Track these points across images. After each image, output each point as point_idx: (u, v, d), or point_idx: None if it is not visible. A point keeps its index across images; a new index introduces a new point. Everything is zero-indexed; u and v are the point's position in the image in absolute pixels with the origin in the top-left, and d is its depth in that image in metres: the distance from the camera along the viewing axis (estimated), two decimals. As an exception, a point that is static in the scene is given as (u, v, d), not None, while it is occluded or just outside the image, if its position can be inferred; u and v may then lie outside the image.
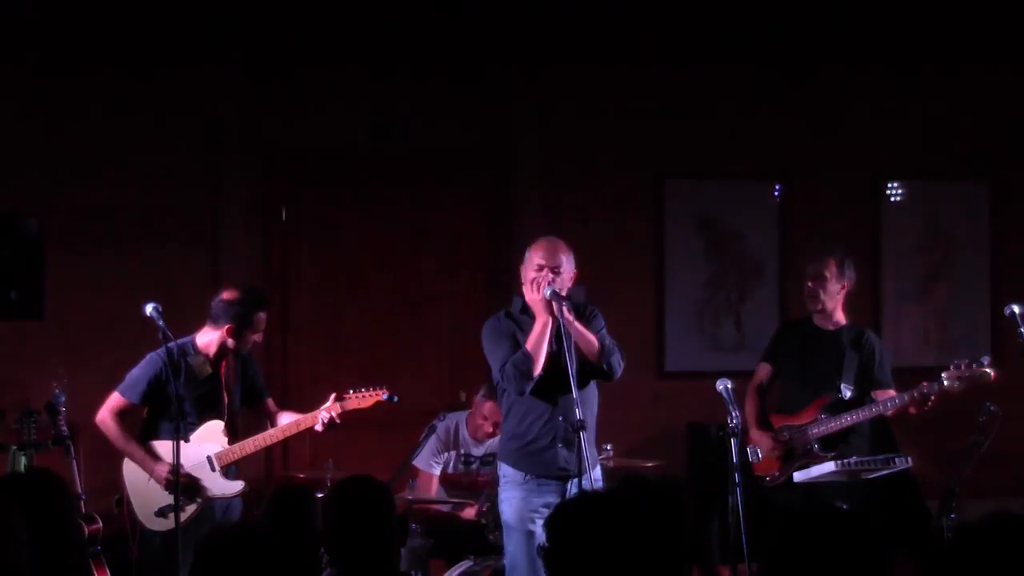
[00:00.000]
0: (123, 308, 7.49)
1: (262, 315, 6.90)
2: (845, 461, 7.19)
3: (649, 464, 7.72)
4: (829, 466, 7.21)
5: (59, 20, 8.34)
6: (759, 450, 7.31)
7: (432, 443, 7.79)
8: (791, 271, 8.92)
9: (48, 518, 4.10)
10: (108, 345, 7.25)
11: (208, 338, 6.80)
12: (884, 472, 7.14)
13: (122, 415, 6.81)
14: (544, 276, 6.33)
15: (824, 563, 3.36)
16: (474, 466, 7.78)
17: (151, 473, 6.76)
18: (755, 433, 7.32)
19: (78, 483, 6.97)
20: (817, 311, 7.43)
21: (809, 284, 7.41)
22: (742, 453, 6.77)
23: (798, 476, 7.29)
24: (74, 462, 7.04)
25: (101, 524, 7.00)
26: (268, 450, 8.01)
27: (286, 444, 8.21)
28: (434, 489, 7.72)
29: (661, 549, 4.32)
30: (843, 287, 7.43)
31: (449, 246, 8.82)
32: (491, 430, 7.74)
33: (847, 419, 7.16)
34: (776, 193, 8.98)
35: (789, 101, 8.89)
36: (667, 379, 8.84)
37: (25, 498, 4.07)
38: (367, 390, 6.93)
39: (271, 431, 6.88)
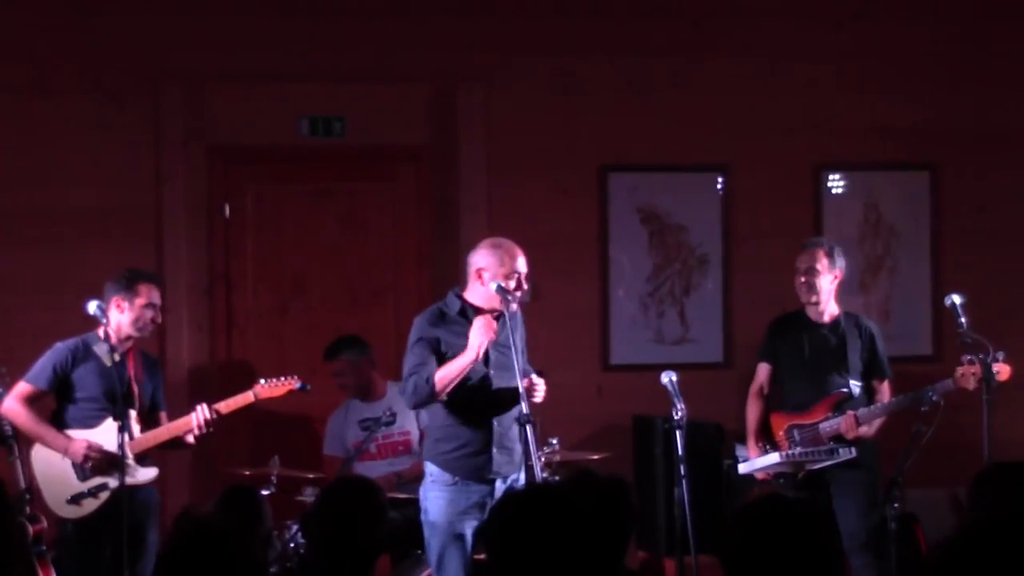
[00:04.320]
0: (65, 306, 7.45)
1: (144, 286, 6.91)
2: (789, 452, 7.22)
3: (595, 457, 7.73)
4: (774, 457, 7.25)
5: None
6: (747, 458, 7.30)
7: (330, 427, 7.97)
8: (735, 263, 8.96)
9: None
10: (47, 344, 7.18)
11: (110, 325, 6.84)
12: (828, 463, 7.17)
13: (29, 402, 6.89)
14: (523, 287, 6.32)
15: (776, 555, 3.38)
16: (379, 433, 7.68)
17: (66, 451, 6.82)
18: (751, 444, 7.34)
19: (21, 482, 6.92)
20: (811, 304, 7.41)
21: (802, 279, 7.37)
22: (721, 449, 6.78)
23: (742, 468, 7.32)
24: (17, 461, 6.99)
25: (46, 523, 6.96)
26: (209, 446, 7.98)
27: (229, 439, 8.19)
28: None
29: (604, 542, 4.33)
30: (835, 277, 7.41)
31: (393, 240, 8.80)
32: (349, 381, 7.93)
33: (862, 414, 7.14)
34: (719, 185, 9.00)
35: (731, 93, 8.91)
36: (612, 372, 8.84)
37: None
38: (279, 379, 6.99)
39: (160, 429, 6.97)
